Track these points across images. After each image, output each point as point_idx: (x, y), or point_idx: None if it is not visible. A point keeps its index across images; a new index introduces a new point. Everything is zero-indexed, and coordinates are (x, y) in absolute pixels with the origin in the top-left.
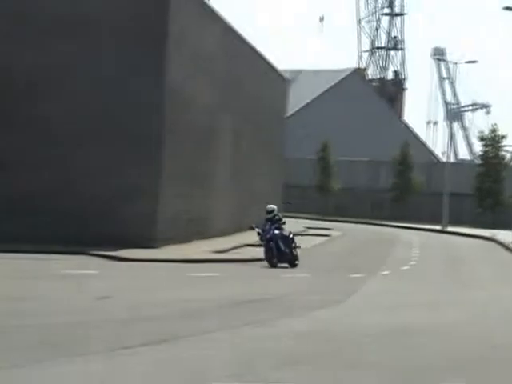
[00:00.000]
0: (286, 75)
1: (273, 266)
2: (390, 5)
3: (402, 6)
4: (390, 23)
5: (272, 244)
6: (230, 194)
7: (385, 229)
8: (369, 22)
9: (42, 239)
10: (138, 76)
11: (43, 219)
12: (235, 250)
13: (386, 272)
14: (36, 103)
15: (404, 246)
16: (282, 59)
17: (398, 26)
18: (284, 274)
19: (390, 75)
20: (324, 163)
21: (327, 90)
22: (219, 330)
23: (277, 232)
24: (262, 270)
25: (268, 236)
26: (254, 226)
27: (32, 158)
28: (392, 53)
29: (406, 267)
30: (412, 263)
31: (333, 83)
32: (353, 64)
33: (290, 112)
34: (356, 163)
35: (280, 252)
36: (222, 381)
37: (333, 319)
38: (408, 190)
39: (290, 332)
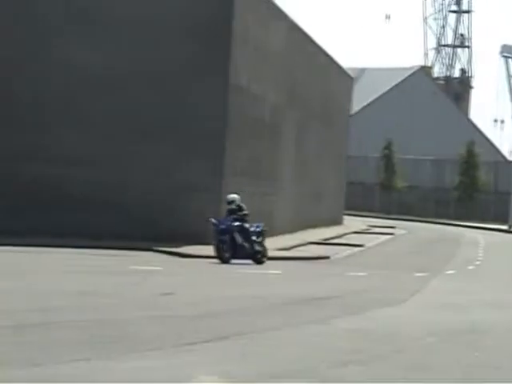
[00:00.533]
0: (351, 73)
1: (224, 261)
2: (458, 2)
3: (470, 3)
4: (457, 20)
5: (226, 237)
6: (293, 192)
7: (449, 228)
8: (435, 19)
9: (107, 236)
10: (203, 74)
11: (109, 216)
12: (298, 248)
13: (450, 271)
14: (103, 102)
15: (469, 246)
16: (346, 57)
17: (465, 23)
18: (347, 272)
19: (456, 73)
20: (388, 161)
21: (392, 88)
22: (282, 327)
23: (236, 224)
24: (326, 268)
25: (222, 227)
26: (211, 218)
27: (101, 155)
28: (459, 50)
29: (471, 267)
30: (477, 263)
31: (398, 81)
32: (419, 62)
33: (354, 110)
34: (420, 161)
35: (235, 246)
36: (283, 376)
37: (396, 318)
38: (473, 188)
39: (352, 330)
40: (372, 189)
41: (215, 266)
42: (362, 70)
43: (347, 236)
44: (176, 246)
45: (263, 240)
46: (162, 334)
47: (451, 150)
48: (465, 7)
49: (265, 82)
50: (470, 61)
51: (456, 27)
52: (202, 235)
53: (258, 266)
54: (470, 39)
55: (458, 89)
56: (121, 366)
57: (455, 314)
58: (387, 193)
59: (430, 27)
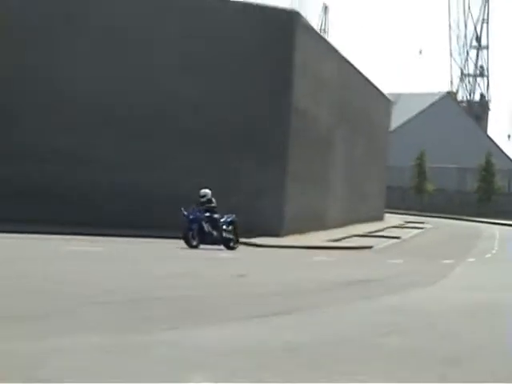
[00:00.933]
0: (390, 97)
1: (190, 246)
2: (478, 39)
3: (488, 40)
4: (477, 54)
5: (194, 225)
6: (342, 194)
7: (470, 223)
8: (459, 54)
9: None
10: (271, 99)
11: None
12: (346, 239)
13: (471, 259)
14: (182, 119)
15: (486, 238)
16: (386, 84)
17: (484, 56)
18: (386, 259)
19: (476, 97)
20: (420, 169)
21: (424, 110)
22: (334, 303)
23: (205, 214)
24: (369, 256)
25: (191, 218)
26: (182, 208)
27: (206, 166)
28: (478, 79)
29: (488, 255)
30: (493, 252)
31: (428, 104)
32: (445, 88)
33: (392, 127)
34: (447, 169)
35: (203, 233)
36: (333, 343)
37: (428, 297)
38: (490, 192)
39: (392, 306)
40: (407, 191)
41: (284, 254)
42: (399, 95)
43: (387, 230)
44: (248, 237)
45: (235, 229)
46: (238, 308)
47: (472, 160)
48: (484, 43)
49: (320, 104)
50: (488, 87)
51: (476, 60)
52: (269, 228)
53: (311, 254)
54: (487, 70)
55: (478, 110)
56: (204, 333)
57: (477, 293)
58: (419, 195)
59: (455, 60)
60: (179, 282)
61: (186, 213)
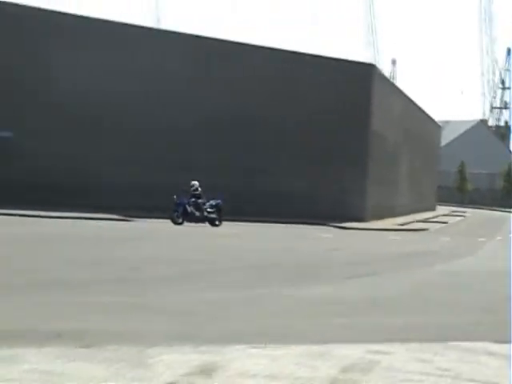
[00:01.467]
0: (440, 124)
1: (175, 223)
2: (503, 82)
3: (510, 83)
4: (502, 93)
5: (179, 208)
6: (406, 191)
7: (498, 213)
8: (490, 93)
9: (306, 218)
10: (355, 125)
11: (303, 204)
12: (409, 224)
13: (499, 237)
14: (295, 141)
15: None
16: (437, 113)
17: (507, 94)
18: (438, 238)
19: (502, 123)
20: (461, 174)
21: (464, 132)
22: (399, 270)
23: (191, 200)
24: (426, 236)
25: (177, 202)
26: (174, 196)
27: (301, 175)
28: (504, 110)
29: None
30: None
31: (468, 127)
32: (479, 117)
33: (442, 144)
34: (481, 174)
35: (187, 214)
36: (393, 298)
37: (468, 263)
38: None
39: (445, 271)
40: (452, 190)
41: (366, 234)
42: (447, 122)
43: (438, 217)
44: (340, 223)
45: (220, 211)
46: (333, 273)
47: (499, 167)
48: (507, 85)
49: (389, 128)
50: (510, 116)
51: (502, 96)
52: (355, 216)
53: (386, 234)
54: (510, 103)
55: (503, 132)
56: (311, 290)
57: (503, 262)
58: (461, 192)
59: (486, 96)
60: (287, 254)
61: (175, 199)
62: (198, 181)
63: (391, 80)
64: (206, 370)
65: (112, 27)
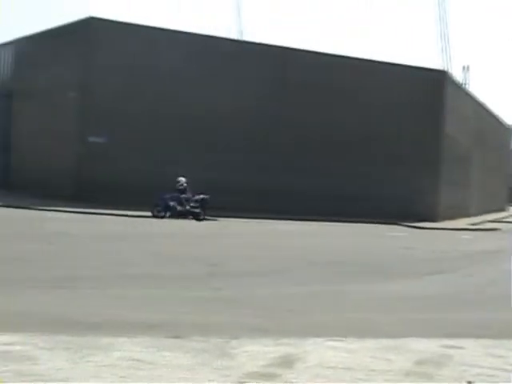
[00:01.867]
0: (509, 127)
1: (154, 216)
2: None
3: None
4: None
5: (161, 202)
6: (478, 192)
7: None
8: None
9: (377, 217)
10: (428, 128)
11: (376, 204)
12: (482, 224)
13: None
14: (373, 146)
15: None
16: (508, 116)
17: None
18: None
19: None
20: None
21: None
22: (473, 266)
23: (174, 195)
24: (498, 235)
25: (161, 197)
26: (160, 193)
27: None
28: None
29: None
30: None
31: None
32: None
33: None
34: None
35: (169, 208)
36: (457, 292)
37: None
38: None
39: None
40: None
41: (438, 233)
42: None
43: (509, 218)
44: (413, 222)
45: (204, 206)
46: (406, 269)
47: None
48: None
49: (461, 132)
50: None
51: None
52: (428, 216)
53: (459, 234)
54: None
55: None
56: (385, 286)
57: None
58: None
59: None
60: (362, 251)
61: (161, 194)
62: (183, 176)
63: (463, 85)
64: (286, 362)
65: (206, 40)
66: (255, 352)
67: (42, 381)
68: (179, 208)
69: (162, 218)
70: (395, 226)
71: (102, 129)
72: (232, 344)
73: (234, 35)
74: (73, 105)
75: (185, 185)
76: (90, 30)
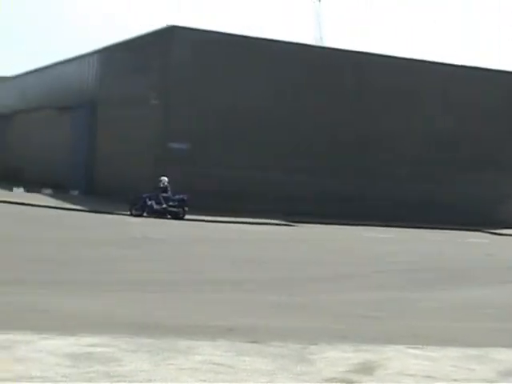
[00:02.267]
0: None
1: (131, 214)
2: None
3: None
4: None
5: (139, 201)
6: None
7: None
8: None
9: (449, 223)
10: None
11: (461, 210)
12: None
13: None
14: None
15: None
16: None
17: None
18: None
19: None
20: None
21: None
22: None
23: (153, 194)
24: None
25: (139, 197)
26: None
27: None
28: None
29: None
30: None
31: None
32: None
33: None
34: None
35: (146, 206)
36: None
37: None
38: None
39: None
40: None
41: None
42: None
43: None
44: (494, 229)
45: (184, 205)
46: (488, 276)
47: None
48: None
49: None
50: None
51: None
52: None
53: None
54: None
55: None
56: (461, 293)
57: None
58: None
59: None
60: (441, 257)
61: (141, 194)
62: (166, 176)
63: None
64: (367, 368)
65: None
66: (334, 358)
67: (126, 382)
68: (156, 207)
69: (139, 216)
70: (477, 233)
71: (183, 136)
72: (310, 349)
73: (313, 42)
74: (155, 112)
75: (166, 184)
76: (172, 38)
